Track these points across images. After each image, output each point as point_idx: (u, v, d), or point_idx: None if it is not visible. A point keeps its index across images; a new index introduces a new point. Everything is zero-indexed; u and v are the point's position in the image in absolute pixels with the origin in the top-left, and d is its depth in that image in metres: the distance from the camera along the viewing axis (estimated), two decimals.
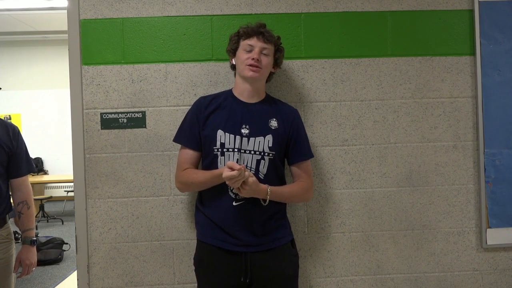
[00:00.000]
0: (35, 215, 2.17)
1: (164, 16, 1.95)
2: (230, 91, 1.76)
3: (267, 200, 1.60)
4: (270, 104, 1.75)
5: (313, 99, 1.98)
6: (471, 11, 2.01)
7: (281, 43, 1.74)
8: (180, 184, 1.75)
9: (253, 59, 1.63)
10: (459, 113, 2.02)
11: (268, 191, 1.59)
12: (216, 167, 1.65)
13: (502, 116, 2.01)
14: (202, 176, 1.66)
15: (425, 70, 2.01)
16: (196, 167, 1.75)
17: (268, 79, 1.78)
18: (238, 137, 1.65)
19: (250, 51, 1.66)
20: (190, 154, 1.73)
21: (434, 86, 2.01)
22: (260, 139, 1.66)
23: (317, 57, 1.98)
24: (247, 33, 1.67)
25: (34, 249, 2.13)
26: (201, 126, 1.69)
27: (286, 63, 1.96)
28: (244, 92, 1.71)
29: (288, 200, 1.75)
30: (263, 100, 1.75)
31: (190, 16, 1.96)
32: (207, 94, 1.80)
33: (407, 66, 2.00)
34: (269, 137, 1.67)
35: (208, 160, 1.70)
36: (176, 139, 1.77)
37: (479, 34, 2.00)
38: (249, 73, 1.65)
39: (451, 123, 2.01)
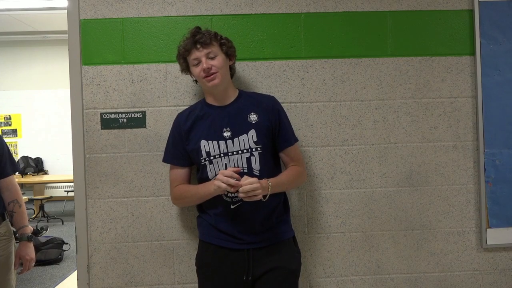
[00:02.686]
0: (27, 212, 2.18)
1: (164, 16, 1.95)
2: (204, 100, 1.76)
3: (267, 195, 1.58)
4: (246, 99, 1.74)
5: (313, 99, 1.98)
6: (471, 11, 2.01)
7: (221, 37, 1.68)
8: (174, 200, 1.80)
9: (204, 70, 1.62)
10: (459, 113, 2.02)
11: (269, 185, 1.57)
12: (207, 177, 1.67)
13: (502, 116, 2.01)
14: (194, 190, 1.70)
15: (425, 70, 2.01)
16: (188, 182, 1.78)
17: (231, 74, 1.76)
18: (221, 142, 1.65)
19: (198, 64, 1.65)
20: (179, 171, 1.76)
21: (434, 86, 2.01)
22: (243, 137, 1.66)
23: (317, 57, 1.98)
24: (186, 49, 1.65)
25: (32, 244, 2.14)
26: (185, 142, 1.71)
27: (286, 63, 1.96)
28: (216, 99, 1.71)
29: (287, 188, 1.74)
30: (237, 97, 1.74)
31: (190, 16, 1.96)
32: (183, 110, 1.80)
33: (407, 66, 2.00)
34: (252, 132, 1.66)
35: (200, 172, 1.72)
36: (164, 159, 1.80)
37: (479, 34, 2.00)
38: (209, 84, 1.64)
39: (451, 123, 2.01)
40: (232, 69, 1.75)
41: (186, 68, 1.72)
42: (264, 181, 1.57)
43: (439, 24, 2.01)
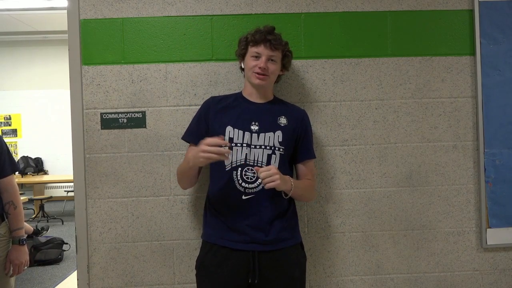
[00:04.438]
0: (23, 214, 2.16)
1: (164, 16, 1.95)
2: (240, 93, 1.79)
3: (289, 194, 1.61)
4: (279, 104, 1.78)
5: (313, 99, 1.98)
6: (471, 11, 2.01)
7: (288, 49, 1.74)
8: (177, 180, 1.80)
9: (260, 67, 1.65)
10: (459, 113, 2.02)
11: (292, 182, 1.60)
12: (223, 161, 1.65)
13: (502, 116, 2.01)
14: (182, 166, 1.72)
15: (425, 70, 2.01)
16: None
17: (276, 81, 1.80)
18: (247, 133, 1.67)
19: (257, 58, 1.67)
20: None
21: (434, 86, 2.01)
22: (270, 134, 1.68)
23: (317, 57, 1.98)
24: (255, 40, 1.67)
25: (24, 248, 2.12)
26: (209, 123, 1.72)
27: None
28: (253, 94, 1.75)
29: (301, 195, 1.74)
30: (271, 100, 1.78)
31: (190, 16, 1.96)
32: (218, 95, 1.82)
33: (407, 66, 2.00)
34: (279, 133, 1.69)
35: None
36: (183, 137, 1.80)
37: (479, 34, 2.00)
38: (256, 81, 1.67)
39: (451, 123, 2.02)
40: (278, 77, 1.79)
41: (243, 54, 1.74)
42: (287, 176, 1.60)
43: (439, 24, 2.01)
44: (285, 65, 1.75)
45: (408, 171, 2.00)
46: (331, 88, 1.99)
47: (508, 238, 2.02)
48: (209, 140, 1.51)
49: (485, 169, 2.00)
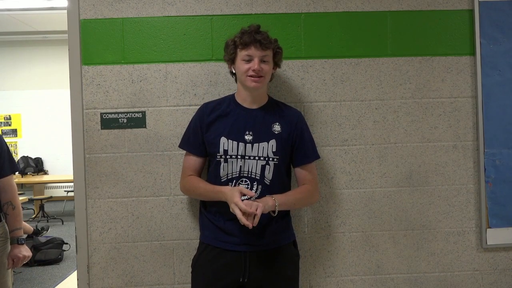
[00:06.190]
0: (22, 215, 2.16)
1: (164, 16, 1.95)
2: (233, 96, 1.76)
3: (276, 212, 1.58)
4: (273, 108, 1.75)
5: (313, 99, 1.98)
6: (471, 11, 2.01)
7: (278, 45, 1.69)
8: (184, 189, 1.79)
9: (254, 70, 1.61)
10: (459, 113, 2.02)
11: (276, 206, 1.56)
12: (219, 173, 1.67)
13: (502, 116, 2.01)
14: (204, 189, 1.68)
15: (425, 70, 2.01)
16: (200, 173, 1.78)
17: (270, 80, 1.76)
18: (241, 144, 1.66)
19: (249, 61, 1.63)
20: (193, 160, 1.75)
21: (434, 86, 2.01)
22: (263, 144, 1.66)
23: (317, 57, 1.98)
24: (244, 42, 1.62)
25: (24, 246, 2.13)
26: (204, 133, 1.71)
27: (286, 63, 1.96)
28: (247, 99, 1.71)
29: (295, 207, 1.77)
30: (266, 104, 1.75)
31: (190, 16, 1.96)
32: (211, 100, 1.80)
33: (407, 66, 2.00)
34: (273, 142, 1.67)
35: (212, 165, 1.72)
36: (181, 145, 1.80)
37: (479, 34, 2.00)
38: (251, 84, 1.63)
39: (451, 123, 2.01)
40: (271, 76, 1.75)
41: (232, 59, 1.68)
42: (271, 201, 1.56)
43: (439, 24, 2.01)
44: (277, 62, 1.71)
45: (408, 171, 2.00)
46: (331, 88, 1.99)
47: (508, 238, 2.02)
48: (243, 206, 1.48)
49: (485, 169, 2.00)
